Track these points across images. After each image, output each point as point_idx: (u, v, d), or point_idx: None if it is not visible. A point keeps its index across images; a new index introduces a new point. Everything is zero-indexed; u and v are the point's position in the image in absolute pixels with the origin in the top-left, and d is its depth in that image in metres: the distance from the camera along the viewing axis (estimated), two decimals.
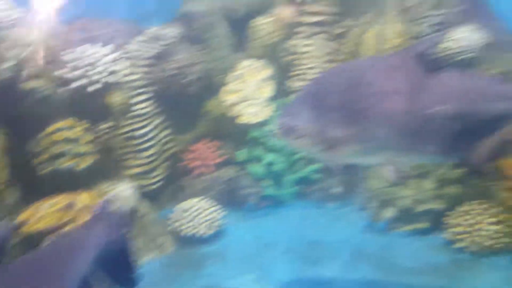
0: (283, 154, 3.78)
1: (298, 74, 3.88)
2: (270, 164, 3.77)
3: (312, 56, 3.86)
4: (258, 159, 3.86)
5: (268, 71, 3.86)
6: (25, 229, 2.62)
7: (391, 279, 2.65)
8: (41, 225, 2.64)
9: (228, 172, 3.87)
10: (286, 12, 3.87)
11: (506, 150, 1.95)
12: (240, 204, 3.70)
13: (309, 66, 3.85)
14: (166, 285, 2.73)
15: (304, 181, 3.79)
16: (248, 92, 3.80)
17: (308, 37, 3.89)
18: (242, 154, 3.89)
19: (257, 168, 3.79)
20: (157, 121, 3.51)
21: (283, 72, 3.96)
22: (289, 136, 2.03)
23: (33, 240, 2.61)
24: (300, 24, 3.89)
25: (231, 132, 3.82)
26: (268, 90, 3.85)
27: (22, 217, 2.66)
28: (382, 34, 3.41)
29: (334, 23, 3.85)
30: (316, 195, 3.73)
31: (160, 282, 2.75)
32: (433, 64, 1.90)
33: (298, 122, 2.00)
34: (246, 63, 3.89)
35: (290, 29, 3.91)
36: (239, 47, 3.99)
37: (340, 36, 3.86)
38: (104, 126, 3.05)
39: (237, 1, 3.90)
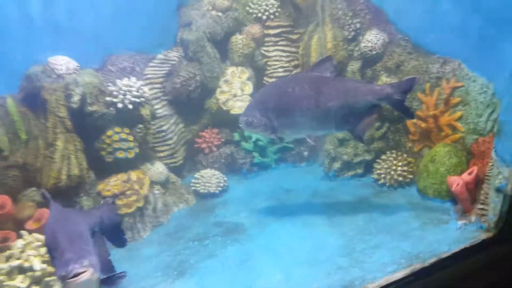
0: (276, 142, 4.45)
1: (270, 72, 4.62)
2: (256, 141, 4.46)
3: (279, 58, 4.60)
4: (248, 138, 4.47)
5: (247, 74, 4.51)
6: (102, 194, 3.51)
7: (334, 206, 3.53)
8: (110, 192, 3.54)
9: (227, 149, 4.47)
10: (255, 28, 4.55)
11: (373, 124, 2.87)
12: (237, 170, 4.41)
13: (277, 66, 4.60)
14: (192, 222, 3.65)
15: (282, 150, 4.54)
16: (235, 91, 4.43)
17: (274, 44, 4.61)
18: (236, 136, 4.49)
19: (247, 145, 4.45)
20: (173, 119, 4.33)
21: (259, 72, 4.64)
22: (248, 127, 2.98)
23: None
24: (267, 35, 4.59)
25: (226, 121, 4.44)
26: (249, 87, 4.46)
27: (98, 188, 3.55)
28: (322, 38, 4.10)
29: (290, 32, 4.56)
30: (291, 159, 4.54)
31: (188, 221, 3.68)
32: (325, 76, 2.85)
33: (252, 118, 2.92)
34: (230, 70, 4.50)
35: (260, 40, 4.57)
36: (224, 59, 4.52)
37: (295, 41, 4.59)
38: (140, 127, 3.83)
39: (217, 27, 4.42)
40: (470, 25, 3.01)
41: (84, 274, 2.18)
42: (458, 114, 3.27)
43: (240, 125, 3.00)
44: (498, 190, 2.64)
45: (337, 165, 3.96)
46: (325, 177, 4.07)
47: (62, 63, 3.68)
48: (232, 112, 4.35)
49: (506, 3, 2.74)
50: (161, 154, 4.23)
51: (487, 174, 2.79)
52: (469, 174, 2.95)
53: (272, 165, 4.45)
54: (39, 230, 3.12)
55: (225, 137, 4.53)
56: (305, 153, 4.49)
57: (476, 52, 3.04)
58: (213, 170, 4.26)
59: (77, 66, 3.74)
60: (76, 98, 3.50)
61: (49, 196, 2.76)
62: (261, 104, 2.91)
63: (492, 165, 2.74)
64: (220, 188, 4.09)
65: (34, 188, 3.37)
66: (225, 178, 4.20)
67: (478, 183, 2.92)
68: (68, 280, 2.17)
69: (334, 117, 2.80)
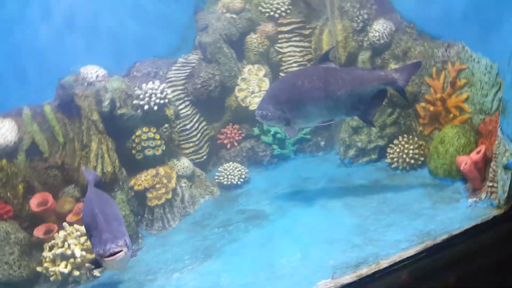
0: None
1: (285, 68, 4.75)
2: (275, 134, 4.62)
3: (292, 53, 4.73)
4: (267, 132, 4.64)
5: (263, 71, 4.68)
6: (135, 188, 3.84)
7: (350, 190, 3.68)
8: (141, 186, 3.86)
9: (248, 144, 4.66)
10: (268, 27, 4.71)
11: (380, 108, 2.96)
12: (259, 163, 4.61)
13: (292, 61, 4.73)
14: (217, 211, 3.91)
15: (300, 141, 4.69)
16: (253, 88, 4.62)
17: (287, 40, 4.75)
18: (256, 130, 4.66)
19: (267, 138, 4.63)
20: (196, 118, 4.59)
21: (275, 69, 4.78)
22: (263, 120, 3.20)
23: (139, 194, 3.85)
24: (280, 32, 4.72)
25: (246, 117, 4.62)
26: (266, 84, 4.61)
27: (131, 183, 3.86)
28: (332, 31, 4.23)
29: (302, 27, 4.70)
30: (309, 149, 4.68)
31: (213, 211, 3.95)
32: (332, 67, 3.01)
33: (266, 111, 3.12)
34: (247, 68, 4.68)
35: (274, 38, 4.72)
36: (241, 58, 4.71)
37: (308, 36, 4.72)
38: (165, 127, 4.11)
39: (232, 29, 4.62)
40: (470, 8, 3.07)
41: (119, 254, 2.46)
42: (465, 95, 3.33)
43: (256, 118, 3.21)
44: (506, 167, 2.71)
45: (352, 152, 4.10)
46: (341, 164, 4.22)
47: (92, 71, 4.01)
48: (251, 108, 4.54)
49: None
50: (187, 151, 4.50)
51: (495, 152, 2.86)
52: (477, 153, 3.02)
53: (291, 156, 4.63)
54: (78, 222, 3.45)
55: (246, 132, 4.73)
56: (322, 143, 4.64)
57: (478, 33, 3.10)
58: (235, 163, 4.49)
59: (106, 73, 4.06)
60: (106, 103, 3.83)
61: (89, 177, 3.04)
62: (274, 98, 3.12)
63: (499, 143, 2.81)
64: (242, 180, 4.32)
65: (73, 185, 3.73)
66: (247, 170, 4.42)
67: (486, 161, 2.99)
68: (105, 259, 2.46)
69: (343, 105, 2.97)
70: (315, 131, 4.65)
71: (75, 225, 3.39)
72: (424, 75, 3.59)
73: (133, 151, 3.99)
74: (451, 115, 3.43)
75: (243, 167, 4.44)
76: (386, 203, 3.30)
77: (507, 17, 2.68)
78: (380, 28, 3.78)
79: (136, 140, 3.99)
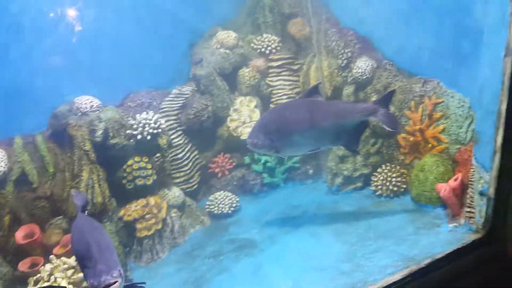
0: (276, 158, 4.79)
1: (275, 100, 5.01)
2: (265, 162, 4.77)
3: (282, 86, 5.01)
4: (257, 161, 4.80)
5: (255, 102, 4.91)
6: (124, 219, 3.87)
7: (337, 217, 3.79)
8: (131, 217, 3.89)
9: (239, 172, 4.80)
10: (259, 62, 5.01)
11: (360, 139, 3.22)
12: (249, 191, 4.71)
13: (281, 93, 5.00)
14: (207, 241, 3.95)
15: (289, 169, 4.84)
16: (244, 118, 4.80)
17: (277, 74, 5.04)
18: (247, 159, 4.82)
19: (257, 167, 4.78)
20: (188, 147, 4.73)
21: (265, 100, 5.03)
22: (253, 148, 3.38)
23: (129, 225, 3.88)
24: (270, 67, 5.03)
25: (237, 146, 4.75)
26: (257, 115, 4.82)
27: (120, 213, 3.89)
28: (319, 67, 4.53)
29: (291, 63, 5.01)
30: (298, 177, 4.83)
31: (203, 241, 3.99)
32: (317, 100, 3.24)
33: (257, 140, 3.31)
34: (239, 99, 4.92)
35: (264, 72, 5.01)
36: (233, 90, 4.95)
37: (296, 71, 5.02)
38: (157, 156, 4.22)
39: (225, 63, 4.89)
40: (444, 48, 3.38)
41: (114, 285, 2.38)
42: (441, 127, 3.57)
43: (248, 146, 3.39)
44: (481, 193, 2.89)
45: (339, 180, 4.26)
46: (329, 191, 4.36)
47: (87, 102, 4.12)
48: (242, 137, 4.70)
49: (472, 27, 3.09)
50: (178, 180, 4.59)
51: (471, 179, 3.05)
52: (455, 180, 3.21)
53: (280, 184, 4.76)
54: (66, 254, 3.42)
55: (237, 161, 4.88)
56: (310, 171, 4.81)
57: (451, 71, 3.39)
58: (226, 192, 4.59)
59: (100, 103, 4.19)
60: (99, 133, 3.91)
61: (78, 202, 2.93)
62: (264, 127, 3.32)
63: (474, 171, 3.00)
64: (233, 209, 4.40)
65: (61, 217, 3.71)
66: (238, 199, 4.51)
67: (464, 188, 3.17)
68: None
69: (328, 135, 3.18)
70: (303, 160, 4.82)
71: (62, 258, 3.34)
72: (404, 108, 3.84)
73: (124, 181, 4.04)
74: (430, 145, 3.65)
75: (233, 195, 4.53)
76: (372, 229, 3.41)
77: (475, 57, 2.97)
78: (362, 65, 4.05)
79: (128, 170, 4.06)
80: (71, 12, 4.22)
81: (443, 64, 3.44)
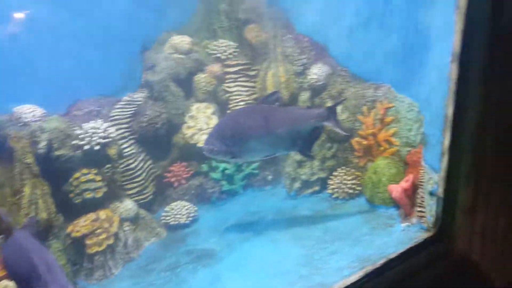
0: (234, 164, 4.70)
1: (233, 106, 4.89)
2: (224, 170, 4.66)
3: (239, 93, 4.92)
4: (215, 168, 4.67)
5: (211, 109, 4.78)
6: (72, 235, 3.61)
7: (296, 222, 3.79)
8: (80, 233, 3.63)
9: (196, 181, 4.63)
10: (215, 67, 4.90)
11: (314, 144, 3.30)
12: (207, 200, 4.56)
13: (239, 99, 4.89)
14: (163, 253, 3.79)
15: (248, 176, 4.77)
16: (201, 125, 4.66)
17: (234, 80, 4.94)
18: (204, 167, 4.67)
19: (216, 174, 4.65)
20: (141, 156, 4.51)
21: (222, 107, 4.91)
22: (210, 154, 3.32)
23: (78, 241, 3.64)
24: (227, 73, 4.92)
25: (194, 154, 4.60)
26: (214, 121, 4.67)
27: (68, 230, 3.63)
28: (276, 73, 4.54)
29: (248, 69, 4.95)
30: (257, 183, 4.76)
31: (159, 253, 3.82)
32: (273, 106, 3.26)
33: (213, 146, 3.27)
34: (195, 106, 4.76)
35: (221, 78, 4.90)
36: (189, 96, 4.81)
37: (253, 76, 4.95)
38: (107, 167, 3.98)
39: (179, 68, 4.75)
40: (394, 54, 3.53)
41: None
42: (392, 130, 3.71)
43: (204, 152, 3.30)
44: (431, 193, 3.01)
45: (297, 185, 4.27)
46: (287, 196, 4.35)
47: (28, 111, 3.84)
48: (199, 145, 4.55)
49: (420, 34, 3.25)
50: (130, 192, 4.36)
51: (421, 180, 3.18)
52: (406, 181, 3.33)
53: (240, 191, 4.68)
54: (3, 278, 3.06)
55: (194, 169, 4.71)
56: (269, 177, 4.77)
57: (401, 77, 3.54)
58: (183, 202, 4.41)
59: (44, 113, 3.90)
60: (42, 144, 3.64)
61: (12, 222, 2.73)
62: (219, 133, 3.28)
63: (424, 172, 3.13)
64: (190, 218, 4.24)
65: (2, 236, 3.33)
66: (195, 208, 4.35)
67: (415, 188, 3.30)
68: None
69: (283, 140, 3.21)
70: (262, 166, 4.77)
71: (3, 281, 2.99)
72: (357, 113, 3.95)
73: (71, 195, 3.78)
74: (382, 148, 3.77)
75: (191, 205, 4.38)
76: (329, 232, 3.45)
77: (424, 63, 3.11)
78: (318, 71, 4.13)
79: (75, 183, 3.80)
80: (9, 11, 3.90)
81: (393, 70, 3.59)
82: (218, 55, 4.97)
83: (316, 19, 4.15)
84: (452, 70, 2.65)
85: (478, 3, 2.46)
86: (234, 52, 5.00)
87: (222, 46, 4.98)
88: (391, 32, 3.52)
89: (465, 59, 2.65)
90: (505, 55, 2.45)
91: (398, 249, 2.94)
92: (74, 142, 3.82)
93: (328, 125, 3.27)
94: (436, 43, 2.84)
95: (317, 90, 4.21)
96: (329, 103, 4.13)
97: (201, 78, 4.85)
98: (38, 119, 3.83)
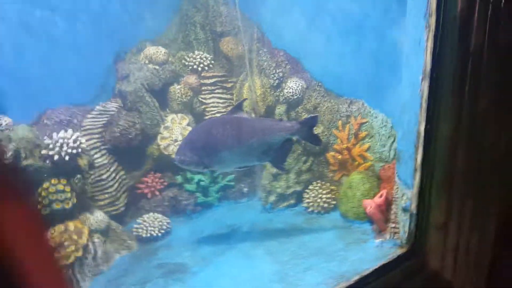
0: (206, 174, 4.55)
1: (209, 117, 4.68)
2: (199, 181, 4.47)
3: (216, 104, 4.78)
4: (190, 180, 4.47)
5: (187, 120, 4.59)
6: None
7: (271, 236, 3.64)
8: None
9: (171, 193, 4.41)
10: (191, 79, 4.71)
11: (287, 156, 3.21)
12: (182, 212, 4.33)
13: (215, 111, 4.75)
14: (134, 267, 3.53)
15: (224, 188, 4.60)
16: (176, 136, 4.47)
17: (210, 92, 4.79)
18: (179, 178, 4.47)
19: (190, 186, 4.45)
20: (113, 167, 4.24)
21: (198, 118, 4.74)
22: (181, 164, 3.16)
23: None
24: (203, 84, 4.76)
25: (169, 165, 4.35)
26: None
27: None
28: (252, 86, 4.41)
29: (224, 81, 4.82)
30: (232, 196, 4.60)
31: (130, 267, 3.56)
32: (244, 117, 3.17)
33: (184, 156, 3.13)
34: (170, 117, 4.56)
35: (197, 89, 4.73)
36: (164, 107, 4.60)
37: (229, 88, 4.82)
38: (78, 178, 3.69)
39: (154, 79, 4.52)
40: (368, 70, 3.47)
41: None
42: (366, 145, 3.64)
43: (175, 163, 3.12)
44: (404, 209, 2.92)
45: (272, 198, 4.12)
46: (263, 210, 4.19)
47: None
48: (173, 156, 4.24)
49: (393, 51, 3.20)
50: (101, 203, 4.08)
51: (394, 196, 3.09)
52: (380, 197, 3.25)
53: (215, 204, 4.48)
54: None
55: (168, 181, 4.48)
56: (245, 190, 4.60)
57: (375, 92, 3.48)
58: (156, 214, 4.16)
59: (11, 121, 3.59)
60: (9, 154, 3.31)
61: None
62: (190, 144, 3.15)
63: (397, 188, 3.05)
64: (163, 231, 4.00)
65: None
66: (169, 221, 4.11)
67: (388, 204, 3.22)
68: None
69: (255, 152, 3.10)
70: (238, 178, 4.60)
71: None
72: (332, 127, 3.87)
73: (39, 206, 3.44)
74: (357, 163, 3.70)
75: (164, 217, 4.13)
76: (304, 247, 3.30)
77: (396, 79, 3.06)
78: (293, 85, 4.02)
79: (43, 194, 3.50)
80: None
81: (367, 86, 3.53)
82: (194, 66, 4.79)
83: (291, 34, 4.07)
84: (423, 88, 2.60)
85: (448, 25, 2.42)
86: (210, 64, 4.83)
87: (198, 58, 4.81)
88: (363, 49, 3.47)
89: (435, 77, 2.60)
90: (474, 74, 2.41)
91: (373, 265, 2.83)
92: (43, 152, 3.52)
93: (299, 138, 3.20)
94: (408, 61, 2.79)
95: (292, 104, 4.10)
96: (305, 116, 4.03)
97: (176, 89, 4.65)
98: (5, 128, 3.51)
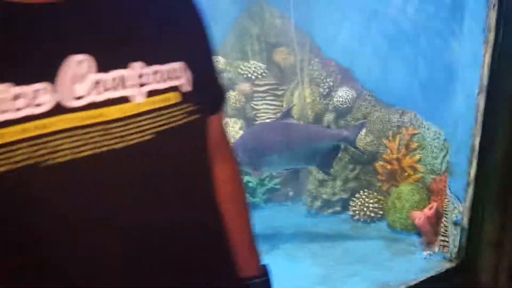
0: (254, 175, 4.39)
1: (259, 123, 4.79)
2: (247, 182, 4.50)
3: (266, 110, 4.88)
4: None
5: (239, 124, 4.71)
6: None
7: (315, 240, 3.65)
8: None
9: None
10: (245, 86, 4.86)
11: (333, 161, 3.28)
12: None
13: (265, 117, 4.82)
14: None
15: (270, 191, 4.66)
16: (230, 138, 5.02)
17: (262, 99, 4.90)
18: None
19: None
20: None
21: (249, 123, 4.85)
22: None
23: None
24: (256, 91, 4.90)
25: None
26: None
27: None
28: (302, 94, 4.54)
29: (276, 89, 4.89)
30: (278, 198, 4.66)
31: None
32: (292, 123, 3.33)
33: (236, 157, 3.35)
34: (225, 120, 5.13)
35: (250, 96, 4.86)
36: None
37: (280, 96, 4.90)
38: None
39: None
40: (422, 82, 3.40)
41: None
42: (417, 157, 3.54)
43: None
44: (455, 223, 2.83)
45: (318, 203, 4.14)
46: (308, 214, 4.21)
47: None
48: None
49: (448, 64, 3.12)
50: None
51: (445, 209, 3.00)
52: (430, 209, 3.15)
53: (261, 205, 4.57)
54: None
55: None
56: (291, 193, 4.65)
57: (428, 104, 3.40)
58: None
59: None
60: None
61: None
62: (242, 146, 3.32)
63: (448, 201, 2.96)
64: None
65: None
66: None
67: (438, 217, 3.11)
68: None
69: (301, 156, 3.24)
70: (284, 182, 4.64)
71: None
72: (382, 137, 3.82)
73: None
74: (406, 174, 3.60)
75: None
76: (349, 253, 3.28)
77: (451, 92, 2.98)
78: (343, 94, 4.03)
79: None
80: None
81: (420, 98, 3.46)
82: (249, 75, 4.96)
83: (343, 45, 4.10)
84: (479, 101, 2.54)
85: (506, 40, 2.37)
86: (263, 73, 4.95)
87: (252, 67, 4.98)
88: (418, 61, 3.41)
89: (492, 91, 2.55)
90: None
91: (419, 277, 2.79)
92: None
93: (346, 144, 3.28)
94: (464, 73, 2.71)
95: (342, 112, 4.11)
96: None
97: (231, 96, 4.84)
98: None
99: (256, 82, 5.02)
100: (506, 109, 2.46)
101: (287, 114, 3.41)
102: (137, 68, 0.70)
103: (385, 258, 3.11)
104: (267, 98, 5.05)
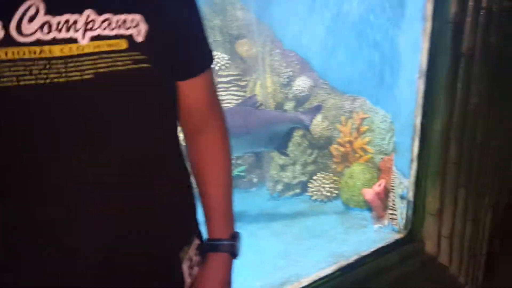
0: None
1: None
2: None
3: (230, 101, 4.74)
4: None
5: None
6: None
7: (277, 220, 3.75)
8: None
9: None
10: None
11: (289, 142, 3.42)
12: (196, 198, 4.83)
13: (230, 107, 4.57)
14: None
15: (235, 178, 4.63)
16: None
17: (226, 89, 4.85)
18: None
19: None
20: None
21: None
22: None
23: None
24: (220, 82, 4.81)
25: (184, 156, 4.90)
26: None
27: None
28: (264, 84, 4.55)
29: (239, 79, 4.87)
30: (243, 185, 4.67)
31: None
32: (251, 108, 3.42)
33: None
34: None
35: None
36: None
37: (243, 86, 4.87)
38: None
39: None
40: (369, 70, 3.58)
41: None
42: (367, 139, 3.73)
43: None
44: (402, 197, 3.01)
45: (279, 187, 4.24)
46: (270, 198, 4.31)
47: None
48: None
49: (392, 52, 3.30)
50: None
51: (392, 185, 3.18)
52: (379, 186, 3.34)
53: None
54: None
55: None
56: (255, 180, 4.69)
57: (376, 90, 3.59)
58: None
59: None
60: None
61: None
62: None
63: (395, 178, 3.14)
64: None
65: None
66: None
67: (387, 193, 3.30)
68: None
69: (261, 139, 3.36)
70: (249, 170, 4.67)
71: None
72: (336, 122, 3.99)
73: None
74: (358, 155, 3.79)
75: None
76: (307, 230, 3.42)
77: (395, 78, 3.15)
78: (301, 83, 4.15)
79: None
80: None
81: (368, 84, 3.63)
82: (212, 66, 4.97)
83: (300, 37, 4.21)
84: (419, 85, 2.70)
85: (443, 29, 2.53)
86: (226, 63, 4.97)
87: (215, 58, 4.96)
88: (365, 50, 3.60)
89: (430, 76, 2.70)
90: (465, 74, 2.51)
91: (370, 247, 2.93)
92: None
93: (301, 126, 3.45)
94: (406, 61, 2.89)
95: (301, 101, 4.22)
96: None
97: None
98: None
99: (219, 73, 4.98)
100: (443, 92, 2.64)
101: (248, 101, 3.49)
102: (85, 14, 0.74)
103: (340, 232, 3.27)
104: (231, 88, 5.03)
